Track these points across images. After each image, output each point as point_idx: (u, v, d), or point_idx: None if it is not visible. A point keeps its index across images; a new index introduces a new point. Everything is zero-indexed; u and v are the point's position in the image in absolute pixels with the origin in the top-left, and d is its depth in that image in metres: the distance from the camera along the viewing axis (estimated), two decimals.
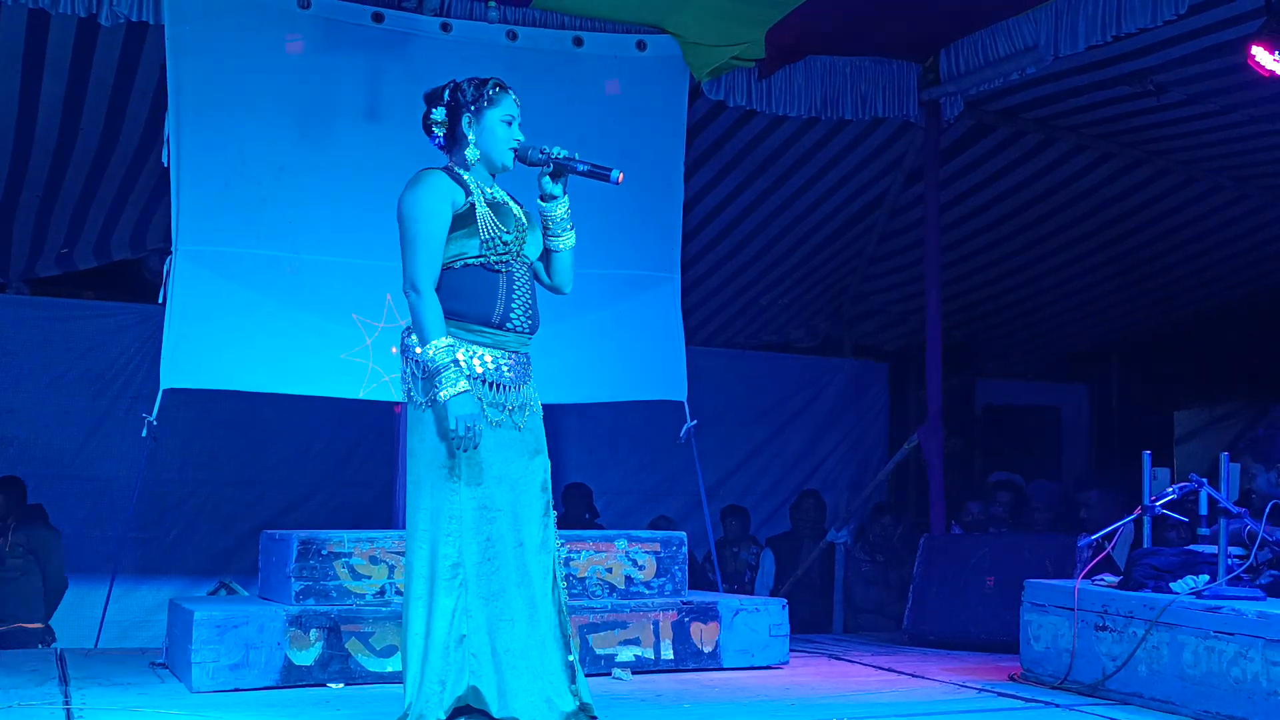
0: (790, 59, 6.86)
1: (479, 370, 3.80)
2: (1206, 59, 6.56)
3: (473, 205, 3.84)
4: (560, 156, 3.91)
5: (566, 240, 4.02)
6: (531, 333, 3.96)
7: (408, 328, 3.85)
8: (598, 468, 8.77)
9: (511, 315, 3.87)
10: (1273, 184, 8.42)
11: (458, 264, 3.81)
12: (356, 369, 6.07)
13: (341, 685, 5.00)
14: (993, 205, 8.66)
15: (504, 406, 3.85)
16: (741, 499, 8.98)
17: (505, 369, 3.86)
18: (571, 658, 3.84)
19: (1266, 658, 4.16)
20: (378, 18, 6.17)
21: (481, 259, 3.81)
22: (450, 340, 3.73)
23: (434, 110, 4.02)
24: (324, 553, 5.21)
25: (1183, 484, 4.88)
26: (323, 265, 6.06)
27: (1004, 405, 10.89)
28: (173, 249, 5.80)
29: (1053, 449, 10.96)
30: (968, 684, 5.18)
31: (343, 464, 8.18)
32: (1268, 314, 9.46)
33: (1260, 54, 5.76)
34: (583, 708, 3.81)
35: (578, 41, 6.51)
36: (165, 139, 5.85)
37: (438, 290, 3.77)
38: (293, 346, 5.96)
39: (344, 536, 5.31)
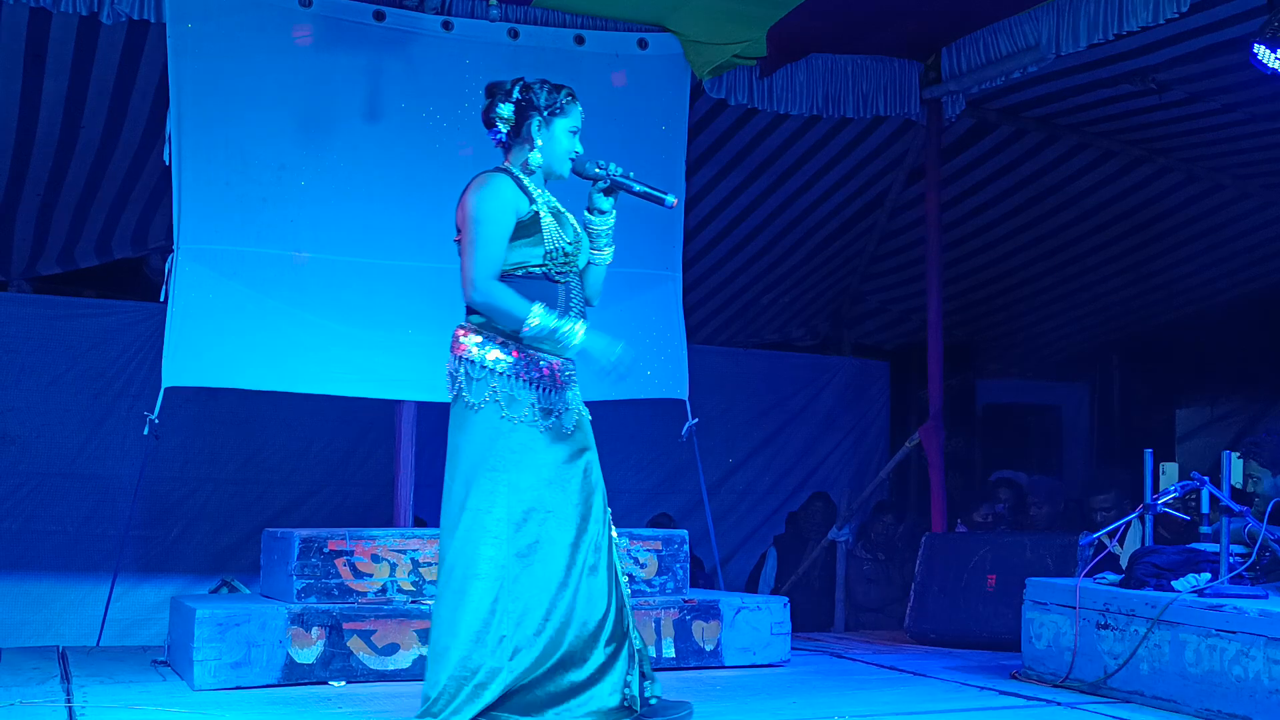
0: (792, 57, 6.86)
1: (544, 373, 3.82)
2: (1208, 57, 6.56)
3: (537, 214, 3.85)
4: (617, 174, 3.95)
5: (607, 254, 4.05)
6: None
7: (461, 328, 3.85)
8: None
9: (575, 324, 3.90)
10: (1274, 182, 8.42)
11: (519, 272, 3.82)
12: (358, 367, 6.07)
13: (343, 683, 5.00)
14: (994, 204, 8.66)
15: (560, 410, 3.87)
16: (742, 498, 8.98)
17: (561, 375, 3.88)
18: (637, 647, 3.87)
19: (1268, 656, 4.16)
20: (379, 16, 6.17)
21: (544, 268, 3.83)
22: (539, 304, 3.75)
23: (500, 105, 3.97)
24: (326, 551, 5.22)
25: (1184, 482, 4.88)
26: (324, 264, 6.06)
27: (1005, 404, 10.89)
28: (174, 247, 5.80)
29: (1053, 448, 10.95)
30: (969, 682, 5.18)
31: (344, 462, 8.18)
32: (1269, 313, 9.45)
33: (1262, 52, 5.76)
34: (625, 704, 3.80)
35: (579, 40, 6.51)
36: (167, 137, 5.85)
37: None
38: (294, 345, 5.96)
39: (346, 534, 5.32)
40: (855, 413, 9.90)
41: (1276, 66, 5.75)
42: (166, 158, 5.84)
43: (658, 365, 6.49)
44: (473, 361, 3.77)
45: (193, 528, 7.84)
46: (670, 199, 3.97)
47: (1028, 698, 4.81)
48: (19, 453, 7.51)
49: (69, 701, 4.51)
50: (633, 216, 6.42)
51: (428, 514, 7.28)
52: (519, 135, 3.94)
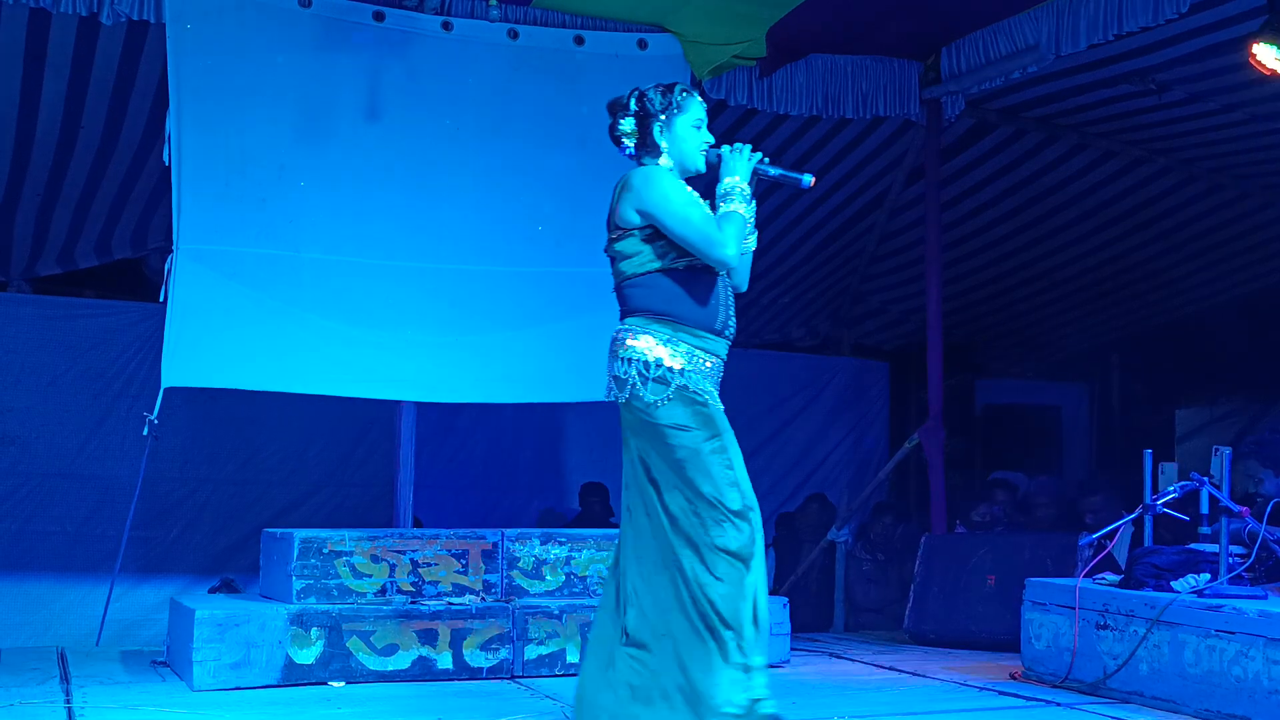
0: (791, 58, 6.86)
1: (708, 367, 3.81)
2: (1208, 57, 6.56)
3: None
4: (753, 162, 3.89)
5: (752, 241, 4.02)
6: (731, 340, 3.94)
7: (620, 333, 3.82)
8: (597, 466, 8.76)
9: (730, 322, 3.91)
10: (1274, 183, 8.42)
11: (681, 264, 3.80)
12: (358, 368, 6.07)
13: (343, 684, 5.01)
14: (994, 204, 8.66)
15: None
16: None
17: (718, 374, 3.87)
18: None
19: (1268, 656, 4.16)
20: (379, 16, 6.17)
21: (702, 262, 3.79)
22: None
23: (621, 121, 3.98)
24: (325, 551, 5.22)
25: (1184, 483, 4.87)
26: (324, 264, 6.05)
27: (1004, 405, 10.88)
28: (174, 247, 5.79)
29: (1053, 448, 10.95)
30: (969, 683, 5.18)
31: (344, 463, 8.18)
32: (1268, 313, 9.45)
33: (1262, 52, 5.76)
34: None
35: (579, 40, 6.51)
36: (166, 138, 5.85)
37: (657, 289, 3.79)
38: (294, 345, 5.95)
39: (345, 535, 5.32)
40: (855, 413, 9.90)
41: (1276, 67, 5.75)
42: (166, 158, 5.84)
43: None
44: (645, 362, 3.74)
45: (192, 528, 7.84)
46: (807, 179, 3.93)
47: (1027, 698, 4.82)
48: (18, 453, 7.51)
49: (68, 702, 4.51)
50: None
51: (427, 515, 7.29)
52: (645, 144, 3.93)
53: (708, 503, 3.67)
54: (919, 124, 7.43)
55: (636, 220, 3.82)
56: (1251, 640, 4.22)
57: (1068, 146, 8.10)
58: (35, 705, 4.43)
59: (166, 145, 5.84)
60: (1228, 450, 4.86)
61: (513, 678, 5.26)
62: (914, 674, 5.45)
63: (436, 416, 7.40)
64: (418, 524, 6.47)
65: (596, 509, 8.35)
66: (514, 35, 6.39)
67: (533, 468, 8.80)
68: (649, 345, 3.76)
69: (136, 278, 8.08)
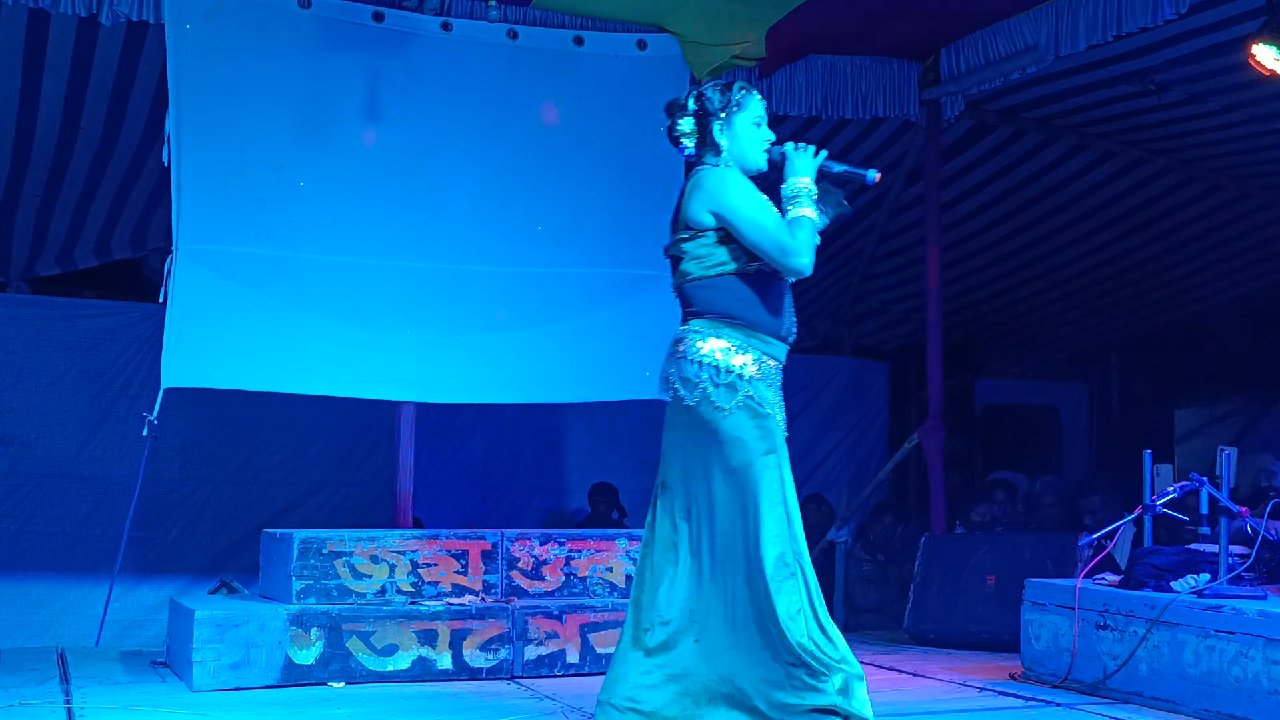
0: (791, 58, 6.86)
1: (772, 364, 3.79)
2: (1207, 58, 6.56)
3: None
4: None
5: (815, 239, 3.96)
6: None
7: (687, 335, 3.79)
8: (597, 467, 8.77)
9: (793, 328, 3.90)
10: (1273, 183, 8.42)
11: (752, 268, 3.77)
12: (357, 368, 6.07)
13: (342, 684, 5.01)
14: (993, 205, 8.66)
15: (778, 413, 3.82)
16: None
17: (780, 379, 3.84)
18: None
19: (1267, 657, 4.16)
20: (378, 17, 6.17)
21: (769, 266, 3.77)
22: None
23: (680, 121, 3.92)
24: (325, 551, 5.22)
25: (1183, 483, 4.87)
26: (323, 264, 6.05)
27: (1004, 405, 10.89)
28: (173, 248, 5.80)
29: (1053, 449, 10.95)
30: (969, 683, 5.18)
31: (343, 463, 8.18)
32: (1268, 313, 9.45)
33: (1261, 53, 5.76)
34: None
35: (578, 41, 6.51)
36: (166, 138, 5.85)
37: (728, 292, 3.76)
38: (294, 345, 5.96)
39: (345, 535, 5.32)
40: (855, 413, 9.90)
41: (1275, 67, 5.75)
42: (165, 158, 5.84)
43: (657, 366, 6.45)
44: (716, 366, 3.72)
45: (192, 528, 7.84)
46: (872, 174, 3.87)
47: (1027, 698, 4.82)
48: (18, 453, 7.50)
49: (68, 702, 4.51)
50: (633, 218, 6.46)
51: (427, 515, 7.29)
52: (706, 144, 3.88)
53: (755, 516, 3.66)
54: (918, 125, 7.43)
55: (710, 221, 3.78)
56: (1251, 640, 4.22)
57: (1067, 147, 8.10)
58: (35, 706, 4.43)
59: (166, 146, 5.84)
60: (1233, 450, 4.86)
61: (512, 678, 5.26)
62: (913, 674, 5.45)
63: (436, 416, 7.40)
64: (417, 524, 6.47)
65: (603, 509, 8.35)
66: (513, 36, 6.39)
67: (532, 468, 8.80)
68: (721, 349, 3.74)
69: (136, 278, 8.09)
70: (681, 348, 3.79)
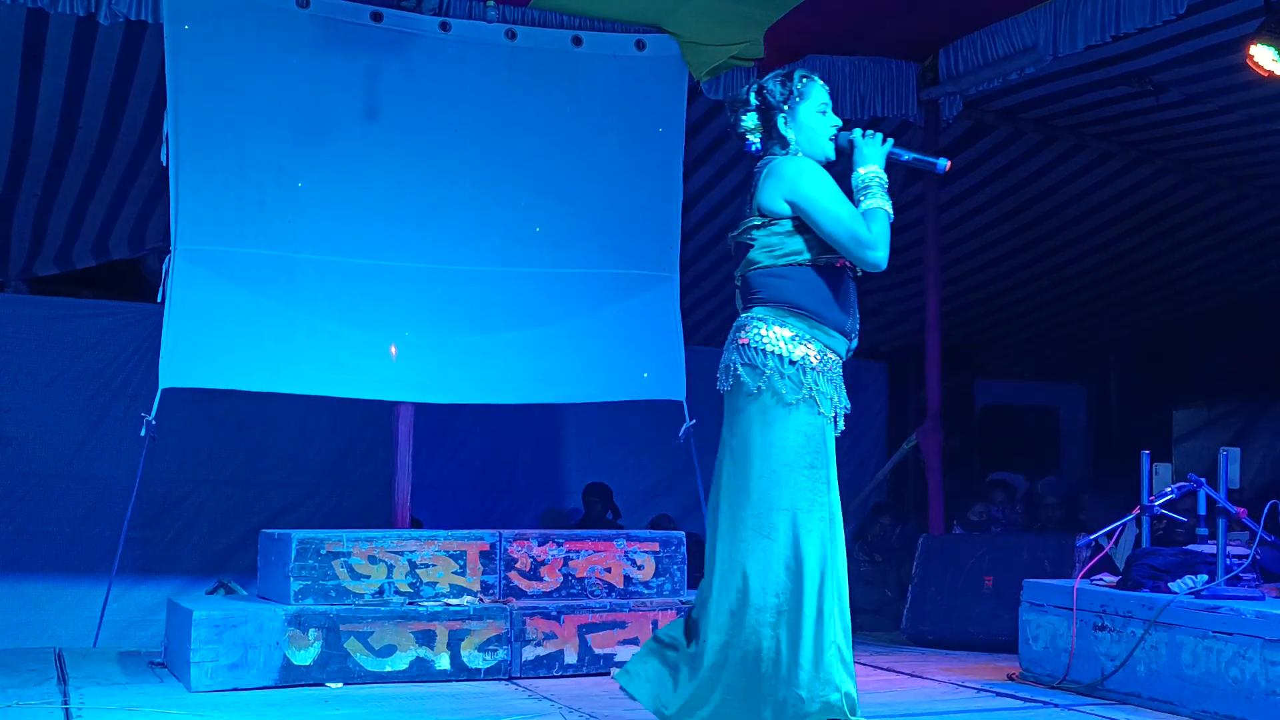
0: (789, 58, 6.85)
1: (833, 358, 3.75)
2: (1205, 59, 6.57)
3: None
4: (886, 147, 3.79)
5: None
6: None
7: (750, 322, 3.72)
8: (596, 467, 8.77)
9: (857, 326, 3.87)
10: (1272, 184, 8.43)
11: (824, 260, 3.72)
12: (355, 369, 6.07)
13: (340, 685, 5.00)
14: (992, 205, 8.66)
15: (840, 408, 3.78)
16: None
17: (840, 375, 3.80)
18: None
19: (1265, 658, 4.16)
20: (376, 17, 6.17)
21: (844, 261, 3.72)
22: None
23: (744, 117, 3.82)
24: (323, 552, 5.22)
25: (1181, 484, 4.88)
26: (322, 264, 6.06)
27: (1003, 405, 10.90)
28: (171, 248, 5.80)
29: (1052, 449, 10.97)
30: (966, 683, 5.18)
31: (341, 463, 8.18)
32: (1267, 314, 9.46)
33: (1259, 53, 5.76)
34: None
35: (577, 41, 6.51)
36: (164, 138, 5.85)
37: (797, 282, 3.71)
38: (292, 346, 5.96)
39: (343, 536, 5.32)
40: (853, 413, 9.77)
41: (1273, 68, 5.75)
42: (164, 159, 5.84)
43: (655, 367, 6.49)
44: (780, 356, 3.65)
45: (190, 529, 7.84)
46: (942, 163, 3.82)
47: (1025, 699, 4.82)
48: (15, 453, 7.50)
49: (66, 703, 4.51)
50: (632, 218, 6.47)
51: (425, 515, 7.29)
52: (772, 138, 3.80)
53: (788, 507, 3.60)
54: (917, 125, 7.43)
55: (785, 209, 3.71)
56: (1249, 641, 4.23)
57: (1065, 147, 8.10)
58: (33, 706, 4.42)
59: (164, 146, 5.84)
60: (1234, 451, 4.86)
61: (510, 679, 5.26)
62: (911, 675, 5.45)
63: (435, 417, 7.39)
64: (416, 525, 6.47)
65: (597, 509, 8.35)
66: (512, 36, 6.40)
67: (531, 468, 8.81)
68: (786, 337, 3.67)
69: (134, 278, 8.09)
70: (744, 335, 3.71)
